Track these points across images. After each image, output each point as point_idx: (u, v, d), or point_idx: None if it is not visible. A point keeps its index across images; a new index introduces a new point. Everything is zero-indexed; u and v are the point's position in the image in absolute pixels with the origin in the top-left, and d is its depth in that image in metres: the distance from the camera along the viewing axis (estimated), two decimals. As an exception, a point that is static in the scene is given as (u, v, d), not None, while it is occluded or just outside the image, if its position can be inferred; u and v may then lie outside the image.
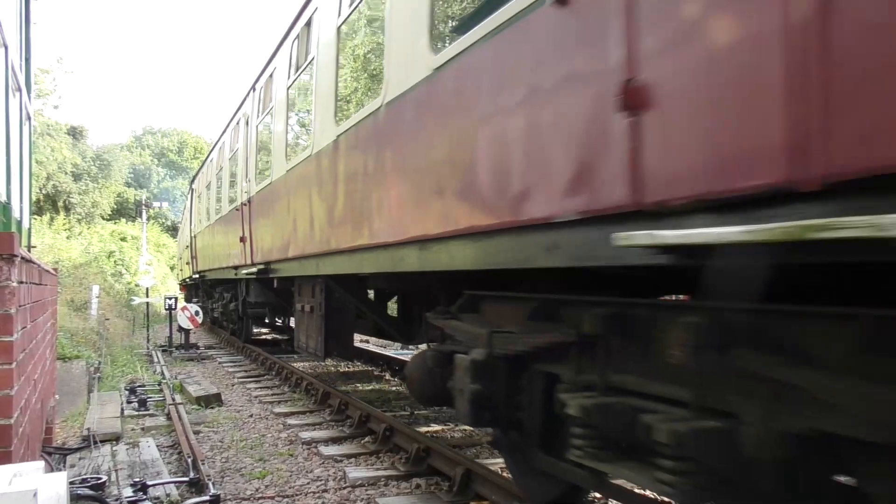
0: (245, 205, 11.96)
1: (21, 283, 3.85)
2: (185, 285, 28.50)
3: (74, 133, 50.95)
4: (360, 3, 6.78)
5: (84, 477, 6.01)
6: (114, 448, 7.53)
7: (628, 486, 3.94)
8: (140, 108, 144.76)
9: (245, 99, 12.80)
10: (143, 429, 8.75)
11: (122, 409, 9.64)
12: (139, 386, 11.50)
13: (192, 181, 24.21)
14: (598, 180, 2.99)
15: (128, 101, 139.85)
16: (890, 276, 2.31)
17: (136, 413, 9.67)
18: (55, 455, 7.12)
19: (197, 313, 17.60)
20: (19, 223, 8.73)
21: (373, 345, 15.98)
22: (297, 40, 9.08)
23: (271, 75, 10.52)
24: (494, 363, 4.34)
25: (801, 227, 1.95)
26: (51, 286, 7.47)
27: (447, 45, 4.63)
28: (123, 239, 45.07)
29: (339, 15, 7.18)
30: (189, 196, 25.58)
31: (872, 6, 1.90)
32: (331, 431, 8.15)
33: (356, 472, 6.39)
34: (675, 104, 2.56)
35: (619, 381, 3.31)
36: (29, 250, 9.80)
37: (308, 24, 8.53)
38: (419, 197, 4.95)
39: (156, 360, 16.09)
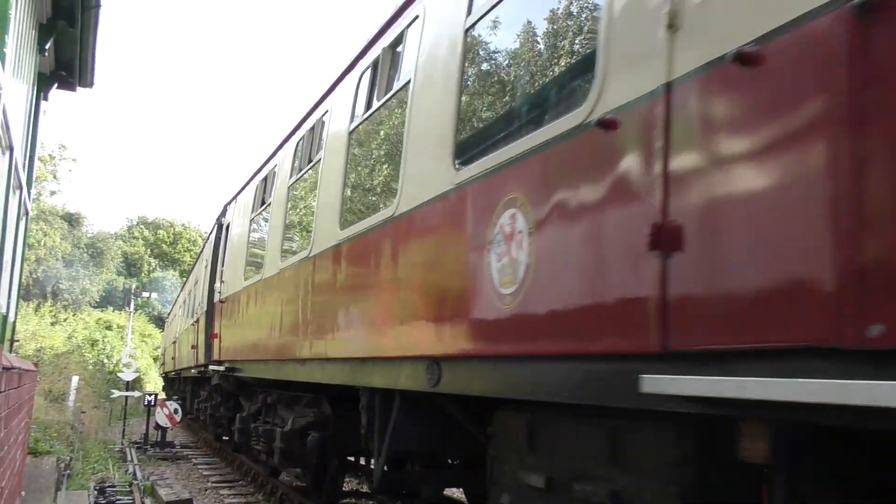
0: (174, 342, 25.71)
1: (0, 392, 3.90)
2: (165, 377, 34.74)
3: (70, 220, 51.36)
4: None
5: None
6: (76, 555, 7.33)
7: None
8: (138, 197, 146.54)
9: (189, 274, 23.82)
10: (108, 535, 8.52)
11: (89, 512, 9.40)
12: (109, 486, 11.24)
13: (168, 315, 38.01)
14: None
15: (126, 189, 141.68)
16: None
17: (103, 517, 9.42)
18: (15, 561, 6.91)
19: (176, 411, 17.36)
20: (5, 317, 8.76)
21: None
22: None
23: (193, 269, 21.46)
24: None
25: None
26: (29, 384, 7.45)
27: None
28: (109, 328, 44.64)
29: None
30: (166, 325, 38.91)
31: None
32: (301, 549, 7.94)
33: None
34: None
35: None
36: (12, 344, 9.79)
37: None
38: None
39: (129, 458, 15.74)
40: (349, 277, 5.85)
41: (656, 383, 2.48)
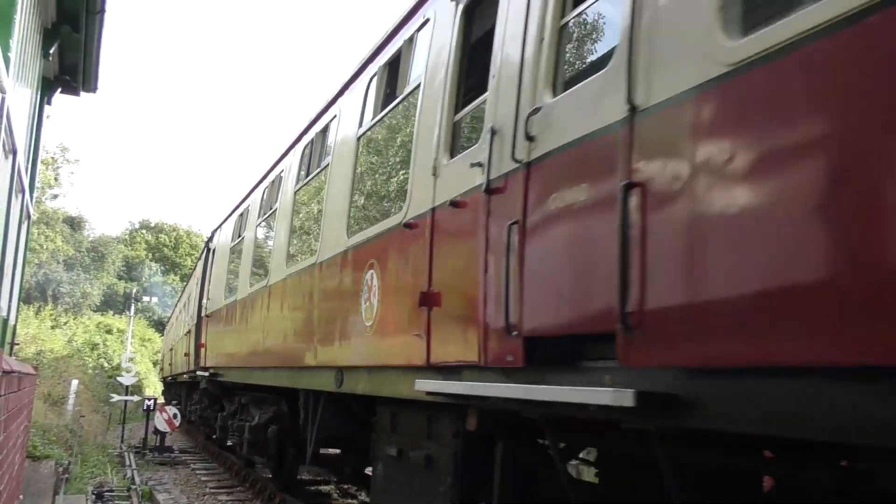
0: (171, 349, 27.43)
1: None
2: (164, 382, 34.99)
3: (72, 223, 51.40)
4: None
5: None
6: (73, 560, 7.32)
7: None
8: (140, 201, 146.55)
9: (186, 285, 25.29)
10: (105, 539, 8.50)
11: (87, 517, 9.39)
12: (107, 491, 11.24)
13: (166, 326, 40.52)
14: None
15: (128, 193, 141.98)
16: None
17: (101, 522, 9.41)
18: (12, 565, 6.90)
19: (175, 416, 17.34)
20: (6, 320, 8.76)
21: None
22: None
23: (189, 283, 21.71)
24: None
25: None
26: (29, 388, 7.46)
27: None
28: (109, 331, 44.57)
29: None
30: (165, 332, 41.06)
31: None
32: (298, 554, 7.92)
33: None
34: None
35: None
36: (12, 348, 9.79)
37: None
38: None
39: (128, 462, 15.72)
40: (291, 304, 7.89)
41: (419, 384, 4.27)
